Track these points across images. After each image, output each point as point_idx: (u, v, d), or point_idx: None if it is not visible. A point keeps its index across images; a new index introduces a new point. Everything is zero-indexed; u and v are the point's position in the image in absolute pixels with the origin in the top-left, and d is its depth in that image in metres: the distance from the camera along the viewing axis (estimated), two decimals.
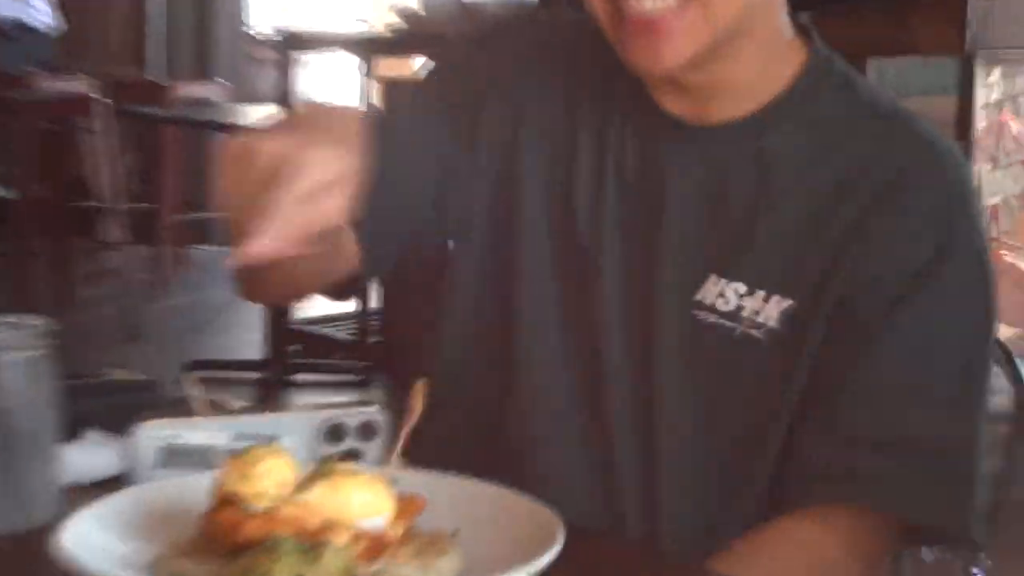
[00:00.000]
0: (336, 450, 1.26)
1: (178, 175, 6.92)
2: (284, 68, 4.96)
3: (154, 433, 1.23)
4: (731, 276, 1.39)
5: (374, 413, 1.28)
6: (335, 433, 1.27)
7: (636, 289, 1.42)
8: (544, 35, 1.54)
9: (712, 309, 1.39)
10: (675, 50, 1.34)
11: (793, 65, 1.43)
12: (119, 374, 1.53)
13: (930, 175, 1.38)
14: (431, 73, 1.56)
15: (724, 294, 1.39)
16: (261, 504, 1.03)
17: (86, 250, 6.64)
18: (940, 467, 1.35)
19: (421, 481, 1.14)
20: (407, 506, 1.07)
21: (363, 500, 1.04)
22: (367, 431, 1.27)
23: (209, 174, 7.78)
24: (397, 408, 1.23)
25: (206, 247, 7.78)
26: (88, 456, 1.31)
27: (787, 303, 1.37)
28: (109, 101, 6.17)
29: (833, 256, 1.36)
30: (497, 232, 1.48)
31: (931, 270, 1.34)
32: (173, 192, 6.77)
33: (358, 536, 1.03)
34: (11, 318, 1.25)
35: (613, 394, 1.42)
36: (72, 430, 1.38)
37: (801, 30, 1.45)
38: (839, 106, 1.42)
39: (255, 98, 7.39)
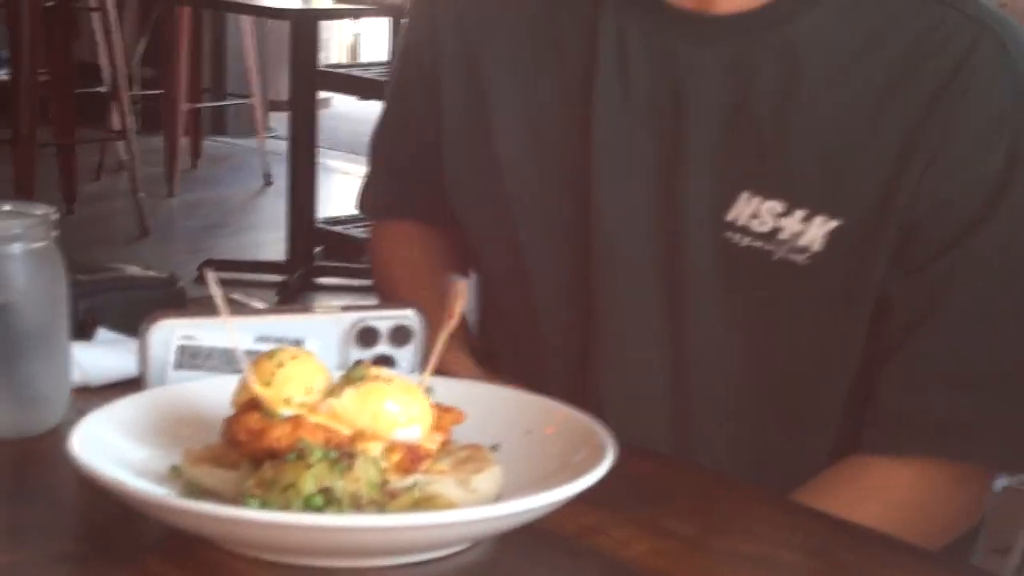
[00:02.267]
0: (367, 355, 1.25)
1: (193, 59, 6.89)
2: None
3: (171, 332, 1.23)
4: (765, 193, 1.33)
5: (408, 316, 1.27)
6: (366, 337, 1.26)
7: (660, 214, 1.38)
8: None
9: (745, 231, 1.34)
10: None
11: None
12: (133, 270, 1.53)
13: (993, 66, 1.31)
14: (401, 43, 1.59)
15: (758, 214, 1.34)
16: (287, 411, 1.03)
17: (93, 140, 6.64)
18: None
19: (459, 390, 1.14)
20: (444, 417, 1.07)
21: (397, 409, 1.04)
22: (401, 336, 1.27)
23: (227, 58, 7.77)
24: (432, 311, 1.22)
25: (224, 138, 7.79)
26: (100, 356, 1.32)
27: (833, 223, 1.32)
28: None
29: (890, 171, 1.30)
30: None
31: (1005, 182, 1.29)
32: (187, 77, 6.75)
33: (392, 447, 1.03)
34: (15, 206, 1.25)
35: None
36: (83, 328, 1.39)
37: None
38: None
39: None
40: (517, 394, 1.19)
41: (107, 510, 1.04)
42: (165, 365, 1.23)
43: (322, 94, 5.83)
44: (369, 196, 1.67)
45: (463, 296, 1.08)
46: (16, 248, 1.20)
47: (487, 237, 1.50)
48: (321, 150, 5.36)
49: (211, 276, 1.07)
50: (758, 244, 1.34)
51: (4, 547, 1.06)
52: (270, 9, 5.64)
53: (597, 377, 1.41)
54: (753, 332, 1.37)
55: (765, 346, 1.37)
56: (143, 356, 1.24)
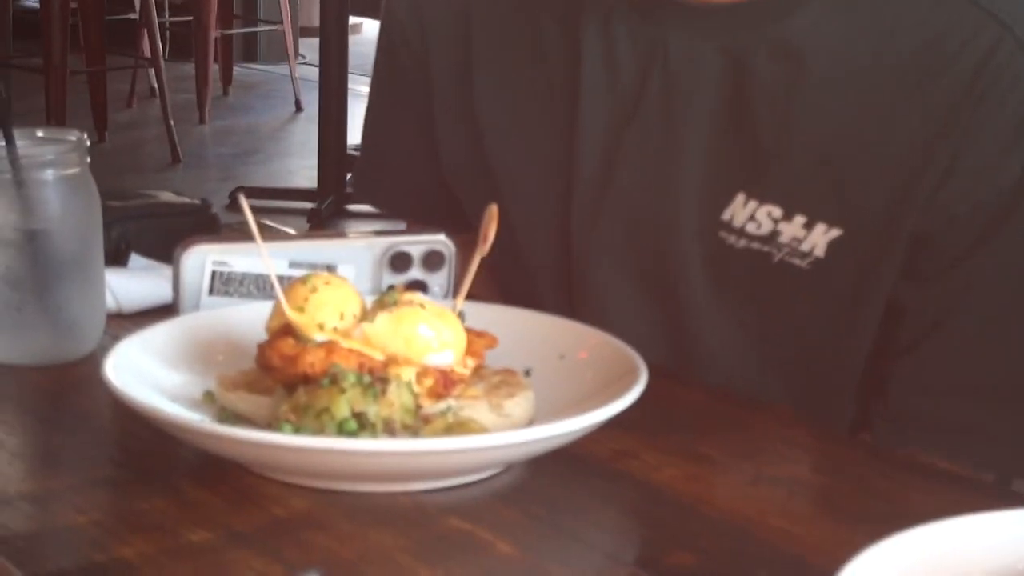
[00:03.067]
0: (400, 280, 1.26)
1: None
2: None
3: (204, 258, 1.24)
4: (763, 197, 1.27)
5: (441, 241, 1.27)
6: (398, 262, 1.27)
7: (649, 211, 1.33)
8: None
9: (742, 232, 1.29)
10: None
11: None
12: (166, 196, 1.53)
13: (1014, 69, 1.22)
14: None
15: (755, 217, 1.28)
16: (320, 336, 1.03)
17: (123, 67, 6.64)
18: None
19: (492, 316, 1.15)
20: (477, 342, 1.07)
21: (430, 334, 1.04)
22: (433, 260, 1.27)
23: None
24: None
25: (254, 65, 7.78)
26: (134, 282, 1.32)
27: (835, 232, 1.26)
28: None
29: (900, 182, 1.24)
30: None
31: (1021, 191, 1.23)
32: (218, 3, 6.74)
33: (425, 372, 1.03)
34: (47, 132, 1.25)
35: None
36: (116, 255, 1.39)
37: None
38: None
39: None
40: (550, 319, 1.19)
41: (142, 435, 1.05)
42: (199, 291, 1.24)
43: (353, 19, 5.80)
44: (364, 185, 1.67)
45: (495, 220, 1.08)
46: (49, 174, 1.20)
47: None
48: (352, 76, 5.35)
49: (243, 202, 1.07)
50: (756, 246, 1.29)
51: (41, 472, 1.08)
52: None
53: None
54: (751, 332, 1.34)
55: (767, 346, 1.34)
56: (177, 282, 1.24)
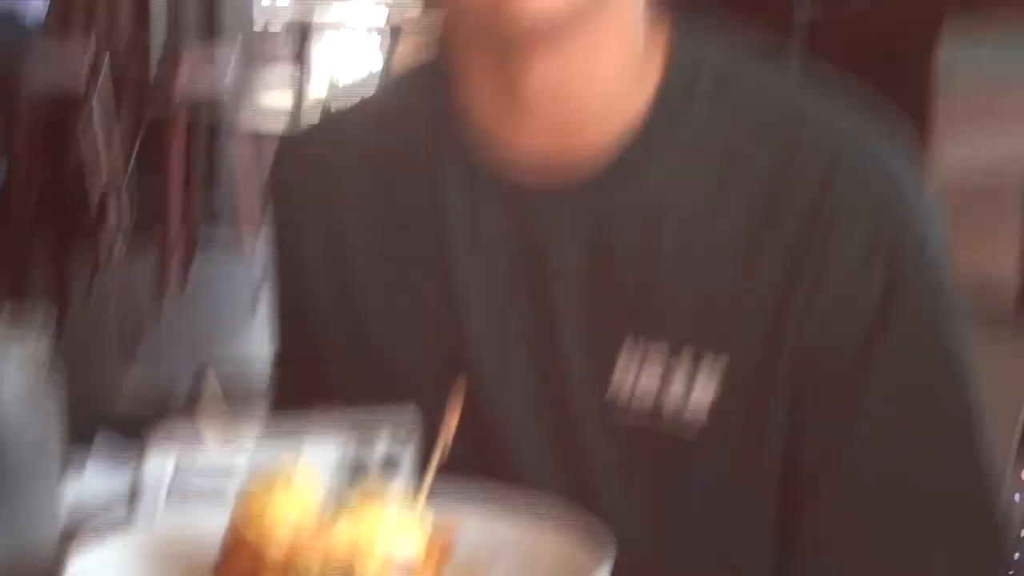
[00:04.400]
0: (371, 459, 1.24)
1: (183, 185, 6.90)
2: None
3: (164, 457, 1.23)
4: (648, 333, 1.30)
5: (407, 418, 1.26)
6: (358, 467, 1.25)
7: (542, 392, 1.34)
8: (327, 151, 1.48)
9: (627, 411, 1.30)
10: None
11: (655, 71, 1.33)
12: (125, 402, 1.51)
13: (855, 188, 1.28)
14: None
15: (647, 360, 1.30)
16: (280, 549, 1.02)
17: (86, 237, 6.63)
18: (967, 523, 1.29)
19: (454, 502, 1.14)
20: (440, 539, 1.06)
21: (392, 530, 1.03)
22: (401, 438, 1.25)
23: (220, 180, 7.80)
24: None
25: (213, 255, 7.80)
26: (94, 480, 1.31)
27: (724, 358, 1.28)
28: (108, 101, 6.19)
29: (775, 301, 1.28)
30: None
31: (886, 310, 1.27)
32: (178, 203, 6.75)
33: (386, 564, 1.02)
34: (10, 316, 1.24)
35: None
36: (78, 442, 1.37)
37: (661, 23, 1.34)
38: (722, 117, 1.31)
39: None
40: (516, 503, 1.17)
41: None
42: (160, 489, 1.22)
43: None
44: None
45: (457, 411, 1.08)
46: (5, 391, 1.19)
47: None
48: None
49: (206, 385, 1.06)
50: (644, 423, 1.30)
51: None
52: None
53: None
54: (658, 508, 1.32)
55: (671, 520, 1.33)
56: (138, 480, 1.23)
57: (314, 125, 1.60)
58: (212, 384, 1.05)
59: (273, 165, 1.54)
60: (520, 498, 1.18)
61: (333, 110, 1.63)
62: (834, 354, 1.28)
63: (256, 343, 5.94)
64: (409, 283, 1.41)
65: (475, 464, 1.32)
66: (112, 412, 1.35)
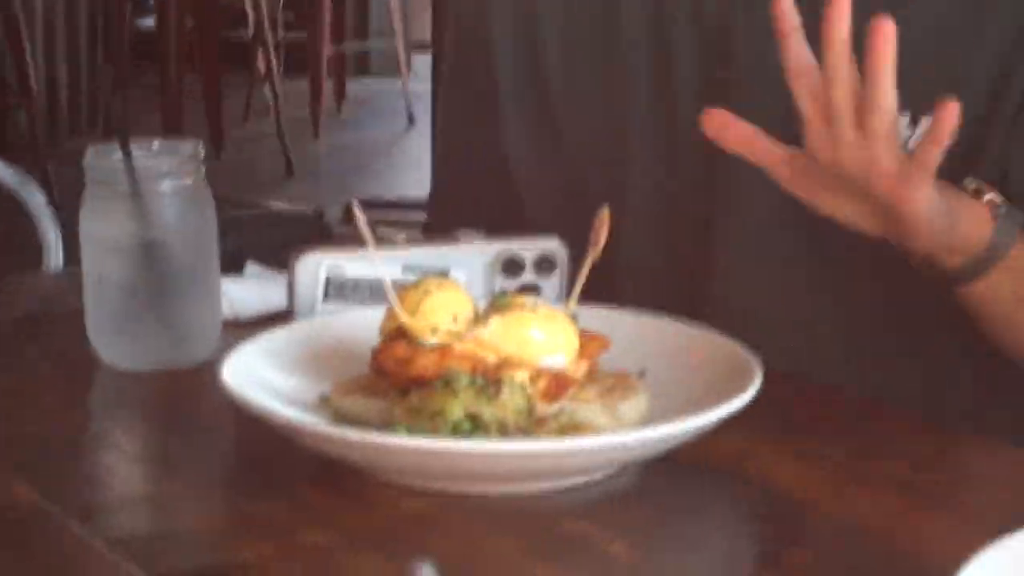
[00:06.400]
0: (512, 285, 1.26)
1: (336, 1, 6.93)
2: None
3: (318, 265, 1.25)
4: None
5: (553, 245, 1.27)
6: (510, 267, 1.27)
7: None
8: None
9: None
10: None
11: None
12: (280, 206, 1.54)
13: None
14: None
15: None
16: (433, 339, 1.04)
17: (238, 84, 6.71)
18: None
19: (605, 318, 1.14)
20: (590, 345, 1.07)
21: (543, 337, 1.04)
22: (545, 265, 1.27)
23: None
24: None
25: (368, 79, 7.83)
26: (249, 290, 1.33)
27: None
28: None
29: (998, 69, 1.30)
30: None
31: None
32: (330, 20, 6.78)
33: (538, 374, 1.03)
34: (163, 144, 1.27)
35: None
36: (233, 263, 1.41)
37: None
38: None
39: None
40: (663, 321, 1.18)
41: (259, 440, 1.05)
42: (313, 297, 1.25)
43: None
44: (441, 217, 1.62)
45: (607, 224, 1.08)
46: (165, 185, 1.22)
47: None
48: None
49: (357, 208, 1.08)
50: None
51: (159, 477, 1.09)
52: None
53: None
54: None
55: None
56: (291, 289, 1.25)
57: None
58: (358, 219, 1.06)
59: None
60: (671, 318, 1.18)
61: None
62: None
63: (408, 166, 5.99)
64: (614, 83, 1.40)
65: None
66: (263, 237, 1.37)
